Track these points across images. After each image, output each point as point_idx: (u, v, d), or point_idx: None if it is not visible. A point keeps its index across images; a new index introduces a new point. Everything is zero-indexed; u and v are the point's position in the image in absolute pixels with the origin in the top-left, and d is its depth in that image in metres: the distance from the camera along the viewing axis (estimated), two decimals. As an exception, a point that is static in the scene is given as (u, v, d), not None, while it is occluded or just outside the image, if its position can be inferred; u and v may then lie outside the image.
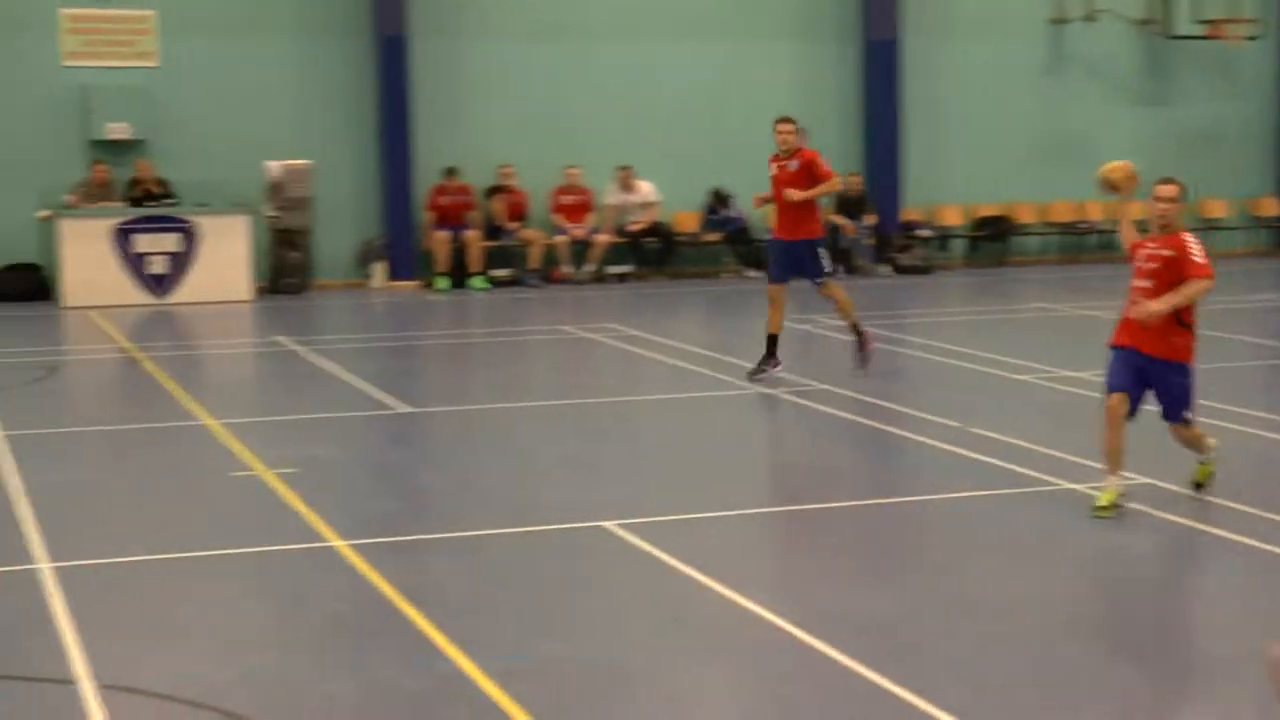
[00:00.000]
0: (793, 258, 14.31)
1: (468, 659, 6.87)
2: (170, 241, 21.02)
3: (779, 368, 14.22)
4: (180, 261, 21.07)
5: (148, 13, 22.21)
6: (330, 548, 8.76)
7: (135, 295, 20.85)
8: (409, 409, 13.17)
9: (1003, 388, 13.93)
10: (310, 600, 7.92)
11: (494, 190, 23.25)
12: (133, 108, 21.91)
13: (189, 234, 21.09)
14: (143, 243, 20.93)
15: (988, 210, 25.83)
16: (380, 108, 22.90)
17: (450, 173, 22.93)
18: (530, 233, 23.19)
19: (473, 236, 22.82)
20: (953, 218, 25.80)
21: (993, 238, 25.88)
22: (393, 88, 22.77)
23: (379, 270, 22.98)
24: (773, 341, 14.22)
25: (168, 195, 21.63)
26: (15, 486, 10.20)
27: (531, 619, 7.54)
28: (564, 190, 23.62)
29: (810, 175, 14.15)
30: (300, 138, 22.57)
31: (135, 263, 20.93)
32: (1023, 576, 8.26)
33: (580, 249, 23.59)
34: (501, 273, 23.13)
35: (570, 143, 23.64)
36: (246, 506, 9.85)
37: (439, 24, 23.22)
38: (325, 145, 22.69)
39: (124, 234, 20.86)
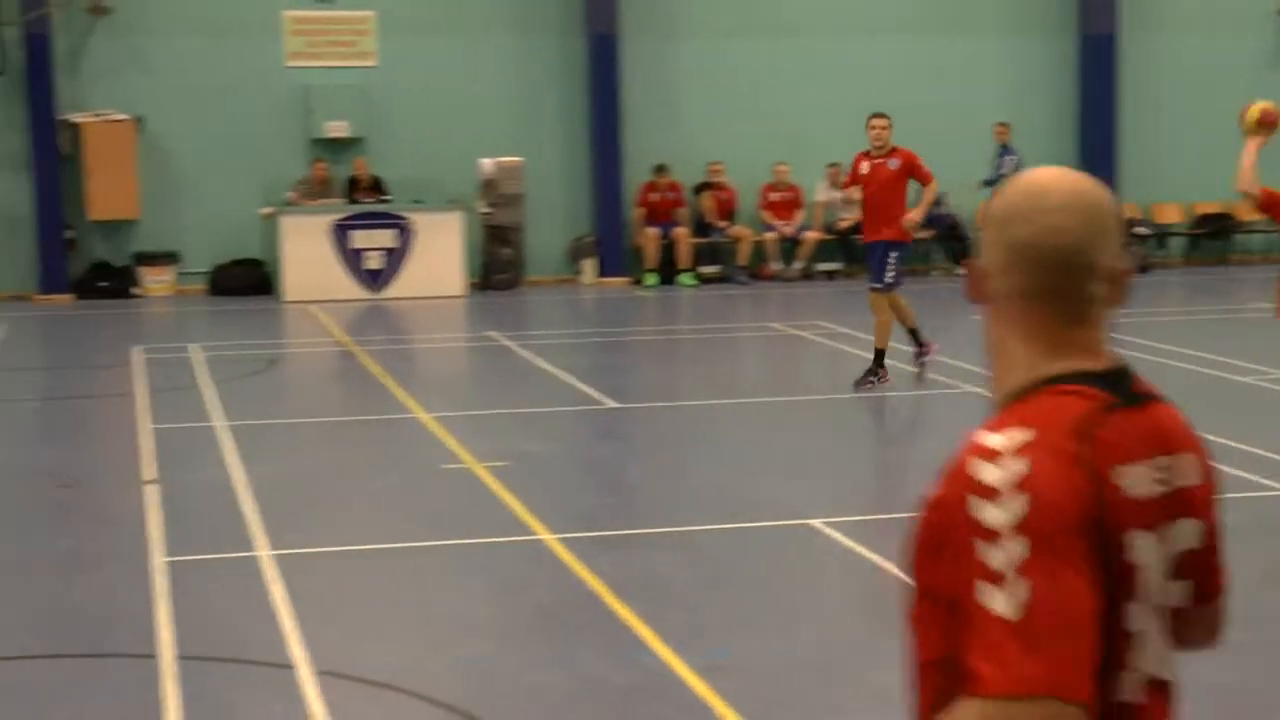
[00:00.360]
0: (872, 259, 13.75)
1: (674, 654, 6.88)
2: (386, 238, 21.43)
3: (885, 380, 13.55)
4: (395, 257, 21.47)
5: (367, 13, 22.67)
6: (540, 541, 8.85)
7: (352, 290, 21.30)
8: (618, 404, 13.24)
9: (1227, 391, 13.55)
10: (520, 593, 8.01)
11: (703, 187, 23.28)
12: (351, 106, 22.39)
13: (404, 230, 21.48)
14: (359, 239, 21.37)
15: (1208, 207, 25.15)
16: (591, 105, 23.08)
17: (660, 170, 23.01)
18: (739, 230, 23.18)
19: (682, 233, 22.87)
20: (1171, 215, 25.16)
21: (1213, 235, 25.19)
22: (604, 86, 22.93)
23: (589, 266, 23.15)
24: (914, 334, 13.86)
25: (383, 192, 22.06)
26: (237, 476, 10.48)
27: (738, 615, 7.53)
28: (773, 187, 23.56)
29: (908, 176, 13.52)
30: (513, 135, 22.84)
31: (352, 258, 21.38)
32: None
33: (789, 246, 23.50)
34: (710, 269, 23.15)
35: (780, 140, 23.56)
36: (457, 499, 10.00)
37: (650, 22, 23.32)
38: (537, 142, 22.94)
39: (342, 230, 21.32)
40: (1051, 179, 2.38)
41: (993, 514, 2.17)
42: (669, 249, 22.99)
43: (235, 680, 6.75)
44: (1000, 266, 2.37)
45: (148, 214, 21.77)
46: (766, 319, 19.20)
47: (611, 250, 23.17)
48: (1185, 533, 2.37)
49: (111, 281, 21.70)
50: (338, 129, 22.30)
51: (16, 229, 21.55)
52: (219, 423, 12.35)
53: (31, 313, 20.41)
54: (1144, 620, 2.29)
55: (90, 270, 21.80)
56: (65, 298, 21.30)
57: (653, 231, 22.88)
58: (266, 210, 21.80)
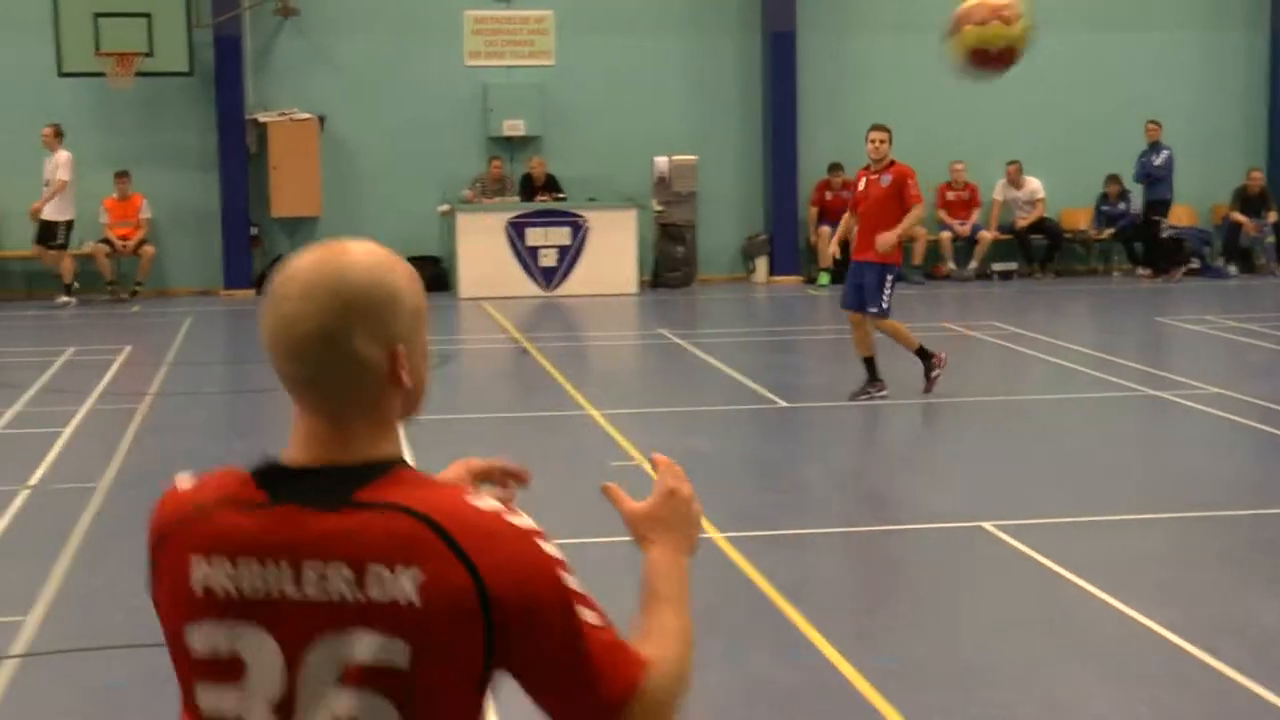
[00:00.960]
0: (861, 280, 13.01)
1: (842, 656, 6.85)
2: (560, 235, 21.60)
3: (884, 391, 13.05)
4: (569, 254, 21.63)
5: (546, 13, 22.86)
6: (707, 539, 8.85)
7: (526, 287, 21.50)
8: (788, 404, 13.20)
9: None
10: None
11: (878, 186, 23.12)
12: (529, 105, 22.61)
13: (578, 228, 21.63)
14: (534, 236, 21.56)
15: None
16: (767, 103, 23.04)
17: (835, 168, 22.89)
18: (914, 229, 22.97)
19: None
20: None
21: None
22: (780, 83, 22.87)
23: (762, 265, 23.11)
24: (869, 363, 13.11)
25: (559, 190, 22.23)
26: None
27: (908, 618, 7.47)
28: (949, 186, 23.32)
29: (899, 195, 12.83)
30: (687, 133, 22.89)
31: (527, 255, 21.59)
32: None
33: (965, 245, 23.24)
34: (884, 269, 22.97)
35: (957, 138, 23.32)
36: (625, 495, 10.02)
37: (828, 19, 23.21)
38: (712, 140, 22.97)
39: (517, 228, 21.53)
40: (301, 262, 2.26)
41: (574, 580, 2.27)
42: (842, 248, 22.81)
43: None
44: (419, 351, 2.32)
45: (329, 211, 22.20)
46: (940, 319, 18.99)
47: (784, 249, 23.10)
48: (385, 648, 2.23)
49: (293, 277, 22.13)
50: (515, 128, 22.53)
51: (204, 226, 22.10)
52: (395, 417, 12.52)
53: (216, 307, 20.92)
54: None
55: (273, 266, 22.27)
56: (248, 292, 21.80)
57: (826, 230, 22.76)
58: (444, 208, 22.10)
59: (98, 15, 20.88)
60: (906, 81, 23.32)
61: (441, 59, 22.58)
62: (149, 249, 21.63)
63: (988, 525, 8.97)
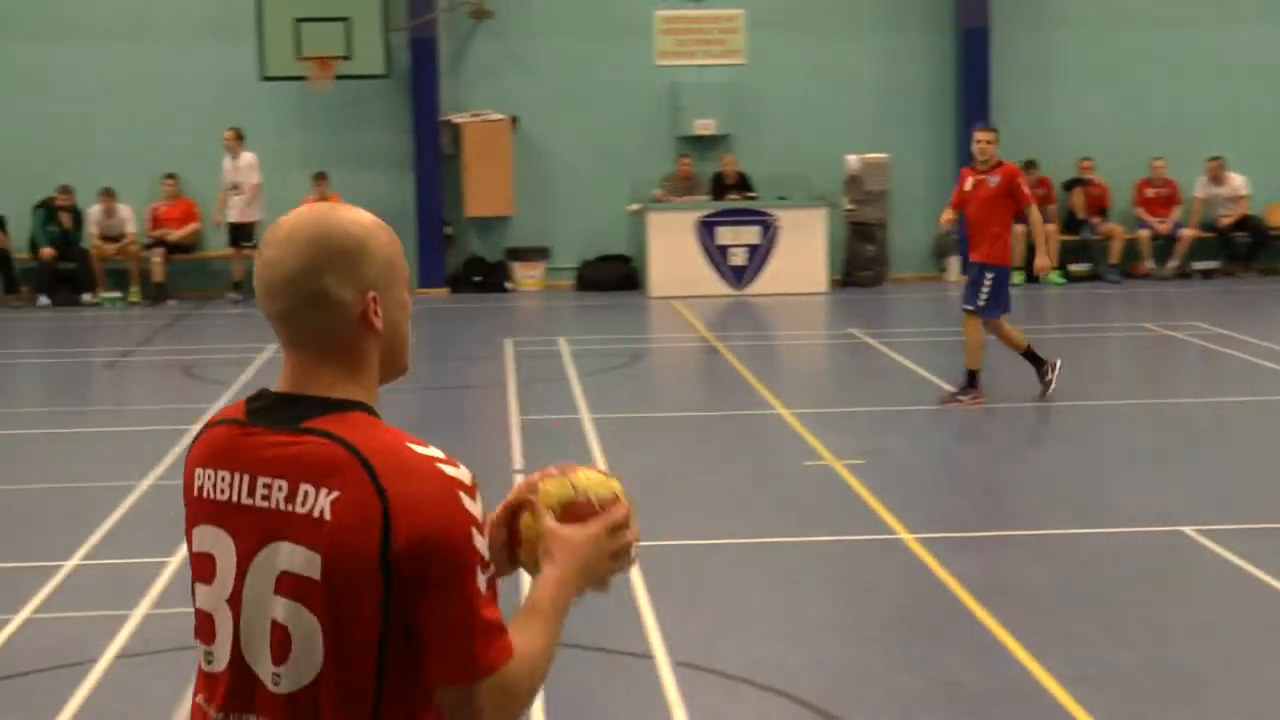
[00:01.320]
0: (970, 279, 13.05)
1: (1035, 660, 6.75)
2: (751, 234, 21.58)
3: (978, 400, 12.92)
4: (760, 253, 21.60)
5: (736, 12, 22.87)
6: (898, 540, 8.79)
7: (716, 286, 21.51)
8: (982, 404, 13.04)
9: None
10: (877, 592, 7.97)
11: (1073, 183, 22.72)
12: (719, 104, 22.62)
13: (769, 227, 21.59)
14: (725, 235, 21.57)
15: None
16: (959, 101, 22.78)
17: (1029, 165, 22.55)
18: (1111, 226, 22.54)
19: (1050, 230, 22.36)
20: None
21: None
22: (973, 80, 22.59)
23: (953, 264, 22.85)
24: (1030, 355, 13.10)
25: (749, 189, 22.22)
26: (601, 468, 10.69)
27: (1105, 623, 7.34)
28: (1149, 183, 22.83)
29: (1010, 195, 12.85)
30: (879, 131, 22.73)
31: (717, 254, 21.61)
32: None
33: (1164, 244, 22.74)
34: (1078, 267, 22.57)
35: (1156, 133, 22.82)
36: (816, 496, 10.01)
37: (1022, 14, 22.87)
38: (904, 138, 22.78)
39: (707, 227, 21.56)
40: (289, 215, 2.53)
41: (481, 544, 2.42)
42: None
43: (596, 668, 6.90)
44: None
45: (521, 211, 22.44)
46: (1139, 319, 18.63)
47: (978, 247, 22.79)
48: (301, 558, 2.43)
49: (485, 276, 22.44)
50: (705, 126, 22.56)
51: (399, 225, 22.30)
52: (585, 415, 12.65)
53: (415, 305, 21.25)
54: None
55: (466, 265, 22.60)
56: (442, 291, 22.13)
57: (1019, 228, 22.42)
58: (634, 207, 22.21)
59: (299, 20, 21.36)
60: (1103, 77, 22.89)
61: (632, 59, 22.70)
62: (346, 248, 22.06)
63: (1188, 529, 8.78)
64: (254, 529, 2.43)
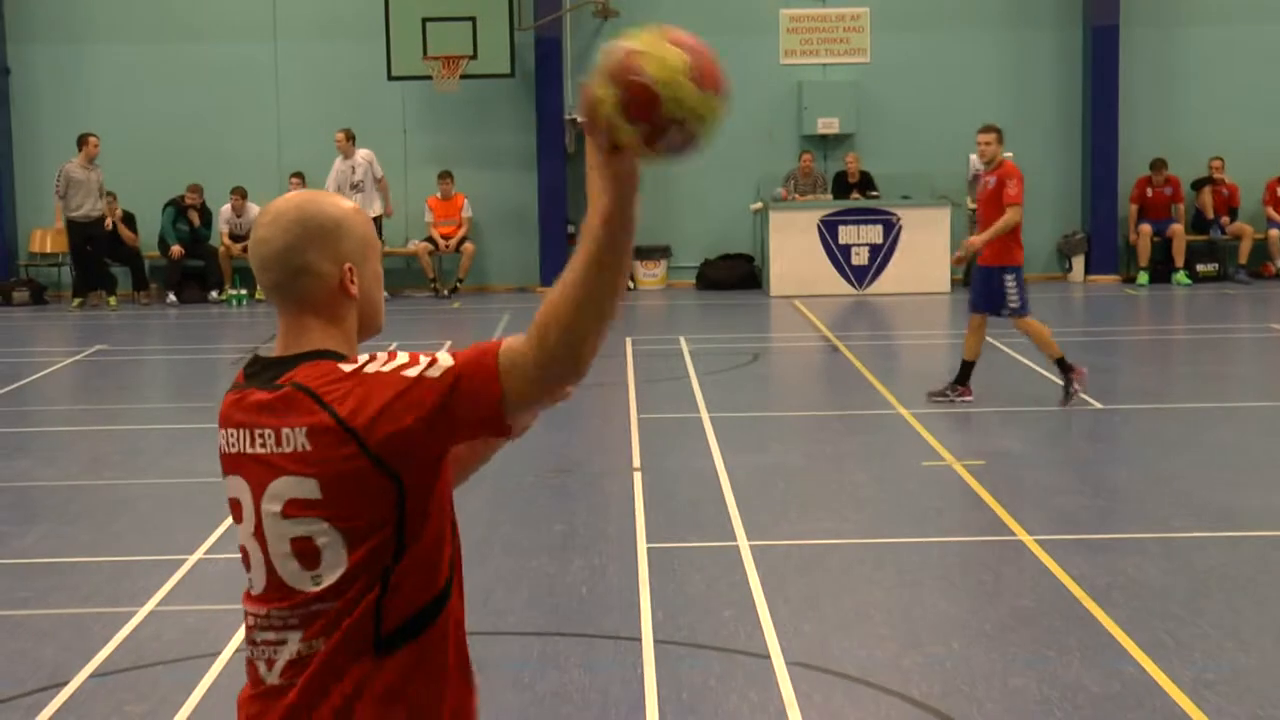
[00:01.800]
0: (988, 286, 12.92)
1: (1156, 665, 6.67)
2: (873, 233, 21.48)
3: (967, 397, 12.85)
4: (881, 253, 21.50)
5: (861, 10, 22.77)
6: (1018, 542, 8.71)
7: (837, 285, 21.43)
8: (1104, 405, 12.89)
9: None
10: (996, 593, 7.91)
11: (1202, 183, 22.37)
12: (842, 103, 22.55)
13: (891, 226, 21.48)
14: (846, 234, 21.49)
15: None
16: (1086, 98, 22.51)
17: (1157, 165, 22.24)
18: (1240, 226, 22.16)
19: (1178, 230, 22.05)
20: None
21: None
22: (1102, 78, 22.31)
23: (1079, 264, 22.59)
24: (966, 368, 12.96)
25: (872, 188, 22.11)
26: (719, 467, 10.73)
27: (1228, 629, 7.22)
28: (1279, 182, 22.42)
29: (1000, 194, 12.74)
30: (1004, 130, 22.45)
31: (839, 253, 21.53)
32: None
33: (1296, 244, 22.33)
34: (1206, 268, 22.22)
35: (1289, 132, 22.43)
36: (936, 496, 9.94)
37: (1153, 11, 22.56)
38: (1029, 137, 22.54)
39: (829, 226, 21.49)
40: (279, 199, 2.96)
41: (416, 368, 2.83)
42: (1163, 246, 22.20)
43: (711, 667, 6.91)
44: None
45: (643, 209, 22.46)
46: (1268, 320, 18.30)
47: (1103, 247, 22.54)
48: (303, 485, 2.85)
49: (607, 275, 22.51)
50: (829, 125, 22.49)
51: (522, 224, 22.65)
52: (704, 414, 12.66)
53: (533, 304, 21.38)
54: None
55: (588, 263, 22.67)
56: (566, 290, 22.23)
57: (1147, 228, 22.14)
58: (756, 205, 22.19)
59: (426, 20, 21.58)
60: (1233, 74, 22.53)
61: (757, 57, 22.68)
62: (470, 247, 22.25)
63: (1316, 535, 8.61)
64: (260, 473, 2.88)
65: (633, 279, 22.52)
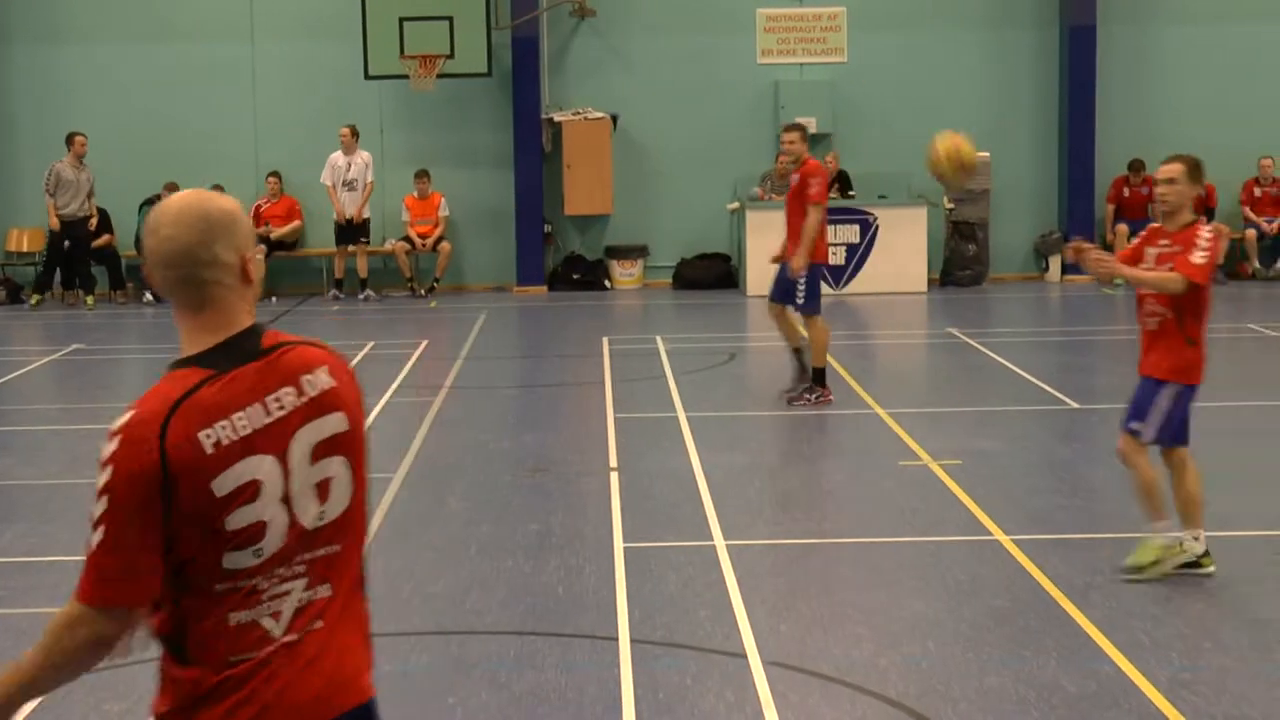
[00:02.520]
0: (780, 277, 13.17)
1: (1133, 664, 6.69)
2: (850, 233, 21.49)
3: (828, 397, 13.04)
4: (858, 252, 21.51)
5: (838, 9, 22.79)
6: (994, 541, 8.73)
7: (815, 285, 21.42)
8: (1080, 405, 12.93)
9: None
10: (973, 592, 7.92)
11: (1179, 182, 22.43)
12: (820, 102, 22.55)
13: (868, 226, 21.50)
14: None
15: None
16: (1064, 98, 22.56)
17: (1135, 165, 22.31)
18: (1216, 227, 22.22)
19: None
20: None
21: None
22: (1078, 78, 22.36)
23: (1055, 264, 22.65)
24: (798, 354, 13.23)
25: (848, 188, 22.12)
26: (694, 466, 10.73)
27: (1203, 627, 7.25)
28: (1257, 182, 22.50)
29: (803, 194, 12.83)
30: (980, 129, 22.43)
31: (816, 253, 21.52)
32: None
33: (1271, 244, 22.39)
34: (1184, 268, 22.27)
35: (1266, 132, 22.48)
36: (913, 496, 9.95)
37: (1129, 11, 22.62)
38: (1006, 137, 22.59)
39: (806, 225, 21.48)
40: (172, 200, 3.19)
41: (99, 479, 3.07)
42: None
43: (688, 666, 6.91)
44: (148, 270, 3.19)
45: (620, 209, 22.50)
46: (1243, 319, 18.36)
47: (1080, 247, 22.56)
48: (332, 422, 3.18)
49: (584, 274, 22.52)
50: (806, 125, 22.48)
51: (499, 223, 22.62)
52: (681, 413, 12.66)
53: (509, 303, 21.40)
54: (274, 540, 3.10)
55: (565, 263, 22.68)
56: (541, 289, 22.23)
57: (1124, 228, 22.19)
58: (733, 205, 22.20)
59: (403, 19, 21.54)
60: (1212, 74, 22.61)
61: (734, 57, 22.69)
62: (446, 246, 22.23)
63: (1291, 535, 8.64)
64: (282, 433, 3.12)
65: (609, 278, 22.50)
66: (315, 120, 22.30)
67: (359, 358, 15.88)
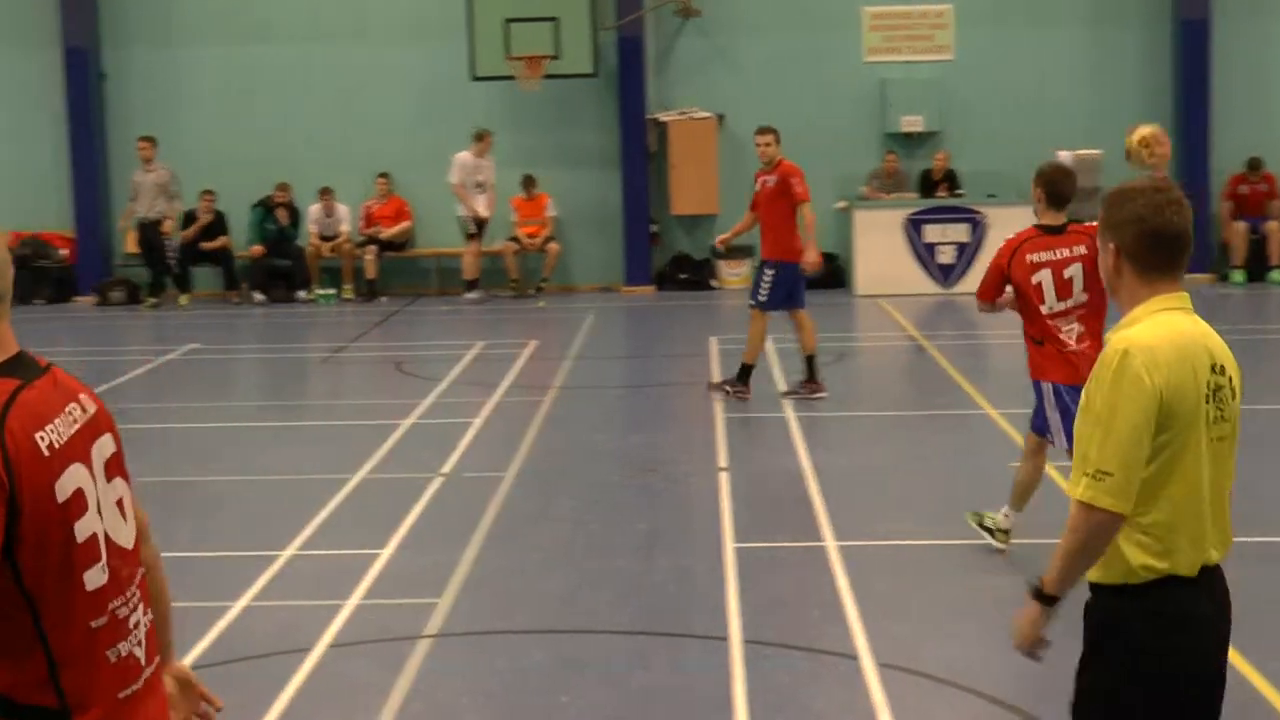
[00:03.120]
0: (756, 276, 13.64)
1: (1253, 667, 6.58)
2: (959, 232, 21.33)
3: (820, 393, 13.28)
4: (968, 252, 21.34)
5: (945, 6, 22.62)
6: (1109, 544, 8.61)
7: (923, 284, 21.30)
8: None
9: None
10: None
11: (1299, 179, 22.07)
12: (927, 100, 22.40)
13: (977, 225, 21.32)
14: (932, 233, 21.36)
15: None
16: (1177, 95, 22.25)
17: (1253, 163, 21.95)
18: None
19: (1274, 228, 21.74)
20: None
21: None
22: (1192, 73, 22.04)
23: (1168, 262, 22.30)
24: (809, 361, 13.42)
25: (957, 186, 21.96)
26: (804, 466, 10.69)
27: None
28: (1375, 178, 22.09)
29: (785, 193, 13.24)
30: (1092, 127, 22.28)
31: (924, 252, 21.40)
32: None
33: (1391, 241, 21.97)
34: (1302, 266, 21.91)
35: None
36: (1026, 497, 9.84)
37: (1245, 4, 22.27)
38: (1116, 134, 22.23)
39: (915, 224, 21.37)
40: None
41: None
42: (1258, 244, 21.90)
43: (800, 667, 6.89)
44: None
45: (726, 208, 22.44)
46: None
47: (1196, 245, 22.19)
48: (107, 443, 3.13)
49: (690, 274, 22.52)
50: (913, 123, 22.36)
51: (606, 224, 22.67)
52: (790, 413, 12.63)
53: (617, 303, 21.43)
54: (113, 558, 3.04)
55: (671, 263, 22.69)
56: (648, 289, 22.25)
57: (1241, 226, 21.86)
58: (840, 204, 22.10)
59: (509, 20, 21.65)
60: (1328, 69, 22.19)
61: (840, 55, 22.58)
62: (554, 246, 22.30)
63: None
64: (85, 443, 3.06)
65: (716, 278, 22.48)
66: (423, 121, 22.47)
67: (468, 358, 15.98)
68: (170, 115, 22.60)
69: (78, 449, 3.02)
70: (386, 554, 8.68)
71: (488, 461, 11.08)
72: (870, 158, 22.39)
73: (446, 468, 10.86)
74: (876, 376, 15.91)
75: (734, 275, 22.47)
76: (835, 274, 22.25)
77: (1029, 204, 22.63)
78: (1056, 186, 8.53)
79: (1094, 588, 4.09)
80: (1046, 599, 3.91)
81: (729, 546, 8.74)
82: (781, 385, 14.01)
